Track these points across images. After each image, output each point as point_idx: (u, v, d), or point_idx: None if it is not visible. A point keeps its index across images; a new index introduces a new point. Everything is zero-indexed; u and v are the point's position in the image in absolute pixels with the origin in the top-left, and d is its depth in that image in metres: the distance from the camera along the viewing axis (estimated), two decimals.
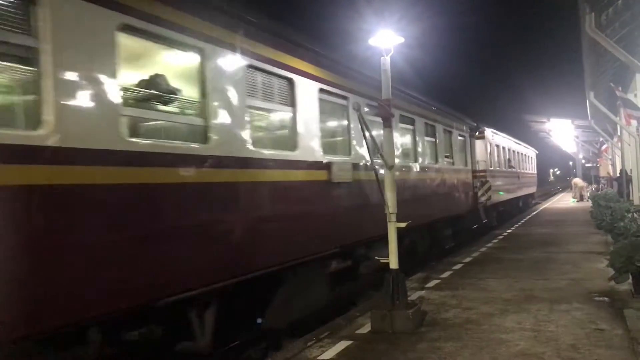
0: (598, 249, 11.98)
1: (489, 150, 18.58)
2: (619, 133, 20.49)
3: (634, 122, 14.38)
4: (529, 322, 6.44)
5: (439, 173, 12.87)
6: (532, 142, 34.13)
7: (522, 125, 32.17)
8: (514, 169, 24.28)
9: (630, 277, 7.38)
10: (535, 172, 34.42)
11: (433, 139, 12.70)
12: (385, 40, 6.77)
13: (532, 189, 33.01)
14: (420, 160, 11.50)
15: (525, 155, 29.40)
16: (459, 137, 15.36)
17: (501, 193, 20.19)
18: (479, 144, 17.77)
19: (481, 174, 17.33)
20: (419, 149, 11.51)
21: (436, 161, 12.70)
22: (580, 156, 40.25)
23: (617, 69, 13.63)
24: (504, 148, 22.17)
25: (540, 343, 5.63)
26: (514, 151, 24.97)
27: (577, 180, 35.69)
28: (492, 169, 18.80)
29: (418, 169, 11.30)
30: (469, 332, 6.17)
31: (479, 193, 16.91)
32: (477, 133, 17.66)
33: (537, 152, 35.10)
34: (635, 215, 12.28)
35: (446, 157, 13.94)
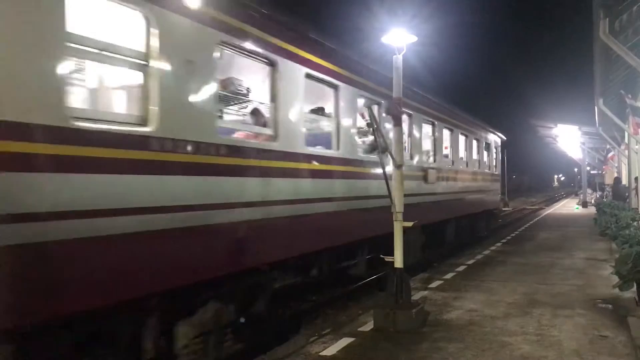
0: (602, 255, 11.94)
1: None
2: (626, 141, 20.39)
3: None
4: (532, 326, 6.43)
5: None
6: (541, 148, 30.41)
7: (529, 129, 31.73)
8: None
9: (635, 285, 7.35)
10: (499, 172, 20.40)
11: None
12: (398, 39, 6.76)
13: (487, 205, 17.85)
14: None
15: (466, 136, 15.17)
16: None
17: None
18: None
19: None
20: None
21: None
22: (586, 163, 40.06)
23: (628, 76, 13.53)
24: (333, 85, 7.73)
25: (543, 347, 5.63)
26: (409, 115, 10.39)
27: None
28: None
29: None
30: (472, 333, 6.16)
31: None
32: None
33: (503, 138, 20.80)
34: None
35: None
